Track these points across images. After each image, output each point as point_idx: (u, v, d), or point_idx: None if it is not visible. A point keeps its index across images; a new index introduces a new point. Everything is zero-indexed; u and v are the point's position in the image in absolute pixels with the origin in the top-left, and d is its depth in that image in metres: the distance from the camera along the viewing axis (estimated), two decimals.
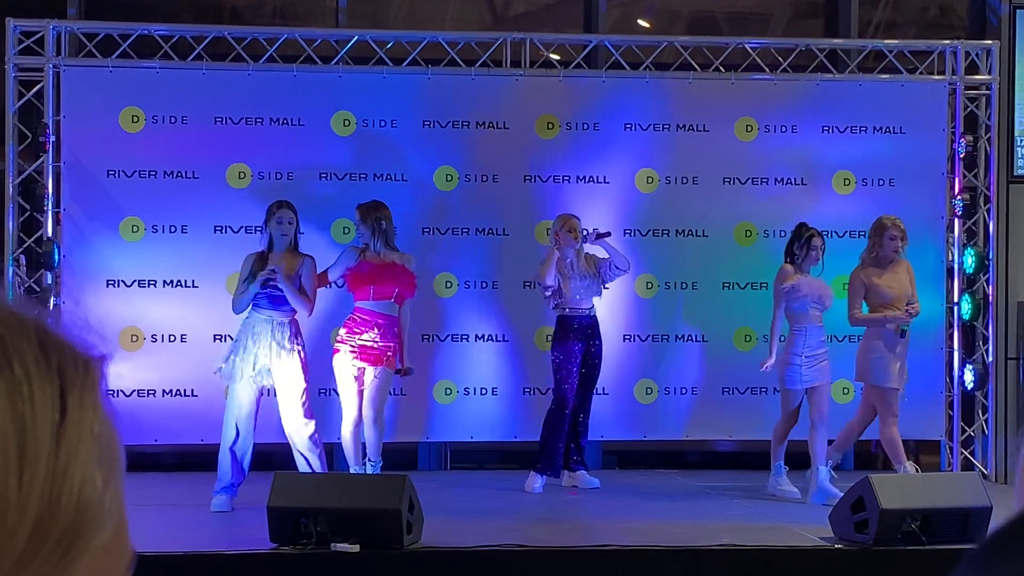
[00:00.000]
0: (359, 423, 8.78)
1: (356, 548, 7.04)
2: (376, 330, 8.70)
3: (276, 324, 8.49)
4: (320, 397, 9.51)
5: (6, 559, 0.85)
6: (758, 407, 10.28)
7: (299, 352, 8.51)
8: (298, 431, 8.49)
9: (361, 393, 8.77)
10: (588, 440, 9.68)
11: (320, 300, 8.90)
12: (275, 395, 8.57)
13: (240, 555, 7.15)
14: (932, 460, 10.60)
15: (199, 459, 9.61)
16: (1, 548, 0.85)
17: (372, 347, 8.70)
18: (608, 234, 9.29)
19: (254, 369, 8.43)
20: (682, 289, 10.29)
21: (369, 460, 8.81)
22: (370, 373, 8.75)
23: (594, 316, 9.42)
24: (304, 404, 8.49)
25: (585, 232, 9.36)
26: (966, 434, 10.51)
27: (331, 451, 9.41)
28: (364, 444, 8.85)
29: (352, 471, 8.76)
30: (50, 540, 0.88)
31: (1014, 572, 0.87)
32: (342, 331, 8.80)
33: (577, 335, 9.33)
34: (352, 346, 8.72)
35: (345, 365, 8.73)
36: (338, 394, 8.92)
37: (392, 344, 8.76)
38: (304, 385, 8.50)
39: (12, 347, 0.88)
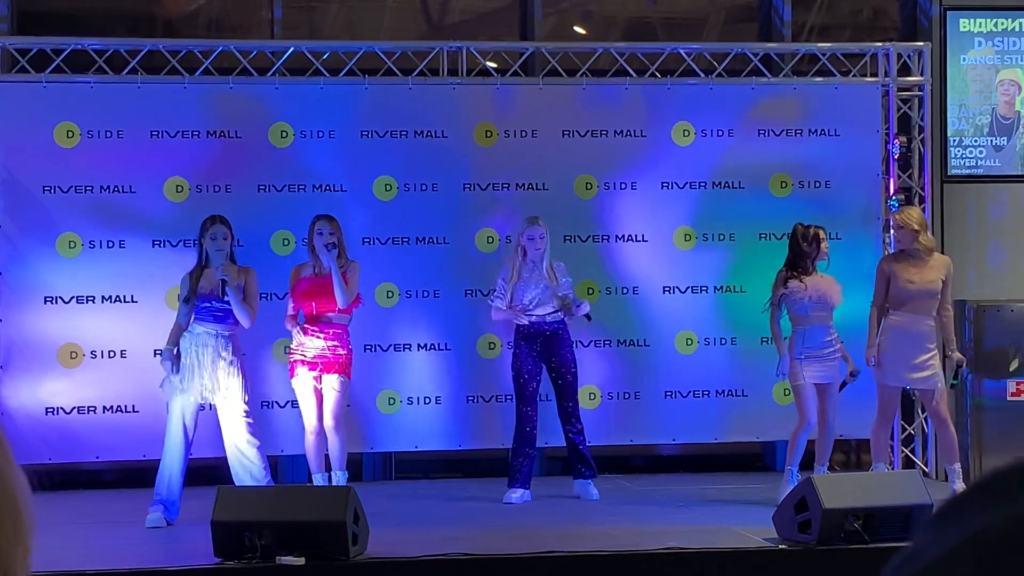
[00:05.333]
0: (320, 432, 8.88)
1: (302, 561, 7.02)
2: (323, 337, 8.86)
3: (219, 338, 8.49)
4: (261, 410, 9.50)
5: None
6: (701, 410, 10.34)
7: (240, 367, 8.53)
8: (243, 446, 8.47)
9: (320, 403, 8.87)
10: (586, 449, 9.33)
11: (262, 312, 8.92)
12: (215, 410, 8.56)
13: (184, 571, 7.11)
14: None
15: (141, 475, 9.54)
16: None
17: (325, 354, 8.84)
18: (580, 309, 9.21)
19: (199, 383, 8.42)
20: (623, 294, 10.33)
21: (335, 471, 8.87)
22: (327, 382, 8.85)
23: (554, 323, 9.21)
24: (248, 419, 8.49)
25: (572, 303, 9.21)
26: (906, 432, 10.61)
27: (274, 464, 9.37)
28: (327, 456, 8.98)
29: (315, 478, 8.87)
30: None
31: (979, 524, 0.89)
32: (292, 343, 8.98)
33: (529, 346, 9.24)
34: (303, 356, 8.85)
35: (303, 380, 8.87)
36: (293, 407, 8.95)
37: (346, 351, 8.91)
38: (246, 399, 8.51)
39: None
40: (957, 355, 9.30)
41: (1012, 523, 0.88)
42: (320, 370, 8.86)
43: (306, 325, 8.92)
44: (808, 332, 9.03)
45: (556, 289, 9.19)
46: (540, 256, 9.22)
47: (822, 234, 9.18)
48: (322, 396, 8.89)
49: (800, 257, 9.13)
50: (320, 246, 8.89)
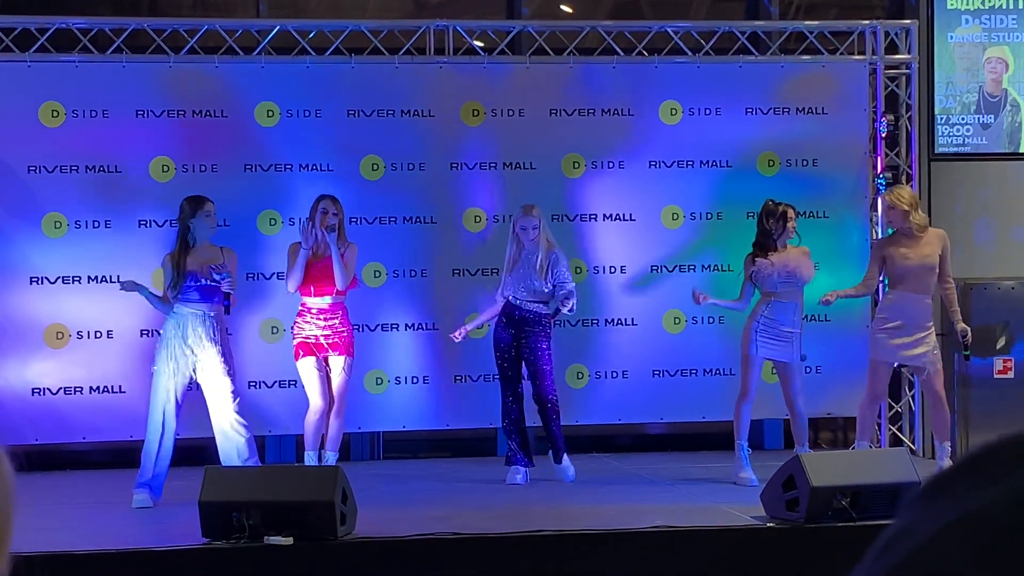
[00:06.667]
0: (324, 413, 8.85)
1: (290, 541, 7.02)
2: (324, 318, 8.87)
3: (206, 317, 8.47)
4: (248, 390, 9.49)
5: None
6: (688, 389, 10.35)
7: (226, 345, 8.52)
8: (230, 425, 8.46)
9: (326, 384, 8.83)
10: (558, 431, 9.19)
11: (249, 292, 8.92)
12: (201, 390, 8.55)
13: (172, 551, 7.11)
14: None
15: (129, 455, 9.52)
16: None
17: (328, 334, 8.86)
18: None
19: (185, 363, 8.41)
20: (610, 273, 10.32)
21: (327, 452, 8.89)
22: (335, 364, 8.88)
23: (531, 311, 9.14)
24: (236, 398, 8.48)
25: None
26: (893, 410, 10.63)
27: (261, 444, 9.37)
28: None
29: (307, 456, 8.85)
30: None
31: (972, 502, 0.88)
32: (295, 327, 8.97)
33: (504, 327, 9.24)
34: (306, 339, 8.86)
35: (308, 362, 8.84)
36: (280, 387, 8.93)
37: (346, 327, 8.93)
38: (232, 376, 8.50)
39: None
40: (961, 325, 9.18)
41: (1008, 500, 0.87)
42: (327, 350, 8.86)
43: (303, 309, 8.90)
44: (777, 305, 9.01)
45: (542, 286, 9.10)
46: (534, 247, 9.15)
47: (790, 212, 9.12)
48: (327, 377, 8.88)
49: (764, 235, 9.11)
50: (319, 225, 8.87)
